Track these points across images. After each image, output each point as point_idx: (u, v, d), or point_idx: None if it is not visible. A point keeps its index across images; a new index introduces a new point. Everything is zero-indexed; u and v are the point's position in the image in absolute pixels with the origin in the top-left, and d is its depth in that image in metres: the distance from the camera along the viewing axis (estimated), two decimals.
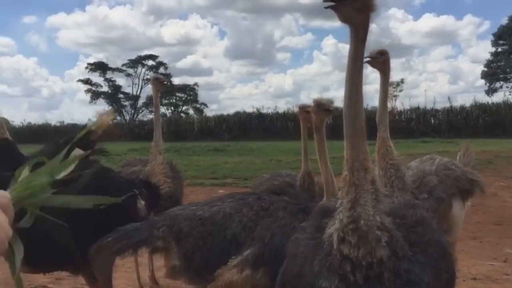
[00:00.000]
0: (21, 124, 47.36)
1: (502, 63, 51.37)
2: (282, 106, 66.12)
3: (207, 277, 2.81)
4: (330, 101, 3.42)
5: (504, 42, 50.92)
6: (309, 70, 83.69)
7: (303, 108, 3.97)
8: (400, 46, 77.47)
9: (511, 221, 8.03)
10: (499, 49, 51.65)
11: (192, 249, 2.85)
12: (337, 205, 1.93)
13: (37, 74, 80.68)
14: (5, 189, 1.25)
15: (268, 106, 44.07)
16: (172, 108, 60.15)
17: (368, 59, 3.61)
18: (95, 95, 59.80)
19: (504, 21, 51.69)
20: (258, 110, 42.15)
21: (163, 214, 3.12)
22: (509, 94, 45.08)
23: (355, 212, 1.84)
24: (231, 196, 3.16)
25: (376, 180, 1.91)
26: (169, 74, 61.34)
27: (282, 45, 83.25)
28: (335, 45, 75.46)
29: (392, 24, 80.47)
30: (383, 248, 1.82)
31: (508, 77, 51.49)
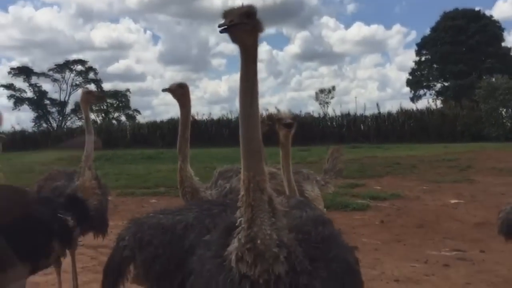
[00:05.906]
0: None
1: (425, 71, 54.39)
2: (217, 112, 65.93)
3: (166, 286, 2.80)
4: (289, 116, 3.50)
5: (427, 52, 53.98)
6: None
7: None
8: (332, 54, 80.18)
9: (432, 223, 8.46)
10: (423, 59, 54.67)
11: (152, 258, 2.86)
12: (237, 224, 1.95)
13: None
14: None
15: (203, 112, 43.38)
16: (102, 114, 58.27)
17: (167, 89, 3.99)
18: (19, 101, 56.77)
19: (427, 32, 54.93)
20: (192, 117, 41.35)
21: (130, 221, 3.17)
22: (432, 101, 47.67)
23: (252, 232, 1.89)
24: (199, 205, 3.14)
25: (273, 199, 1.95)
26: (100, 79, 59.67)
27: (218, 51, 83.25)
28: (269, 52, 76.64)
29: (325, 33, 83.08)
30: (281, 264, 1.87)
31: (431, 85, 54.60)
